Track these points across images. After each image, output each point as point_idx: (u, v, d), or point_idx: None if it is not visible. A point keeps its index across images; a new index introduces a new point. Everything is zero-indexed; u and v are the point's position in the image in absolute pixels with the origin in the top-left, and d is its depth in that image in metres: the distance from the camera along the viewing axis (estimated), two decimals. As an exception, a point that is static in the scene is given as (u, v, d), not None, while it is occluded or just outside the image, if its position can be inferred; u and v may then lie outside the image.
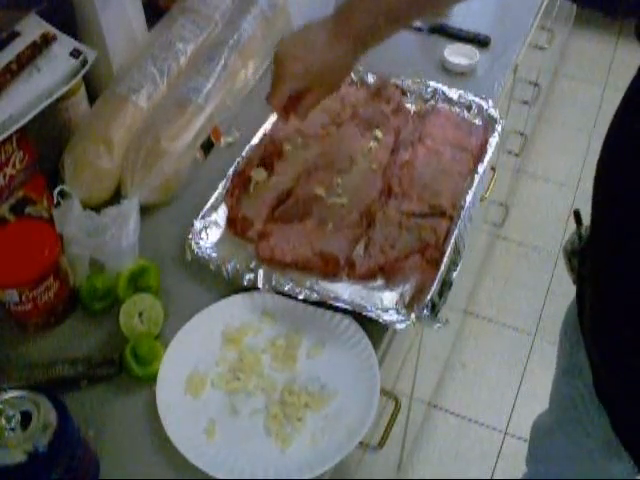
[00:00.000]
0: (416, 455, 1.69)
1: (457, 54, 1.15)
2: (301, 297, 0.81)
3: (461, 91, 1.07)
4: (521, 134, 1.69)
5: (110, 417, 0.74)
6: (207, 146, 1.00)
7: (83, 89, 0.96)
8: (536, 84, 1.68)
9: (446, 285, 0.83)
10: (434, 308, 0.80)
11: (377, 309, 0.80)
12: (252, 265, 0.85)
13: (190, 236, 0.87)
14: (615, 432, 0.84)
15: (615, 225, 0.71)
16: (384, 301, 0.81)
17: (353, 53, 0.85)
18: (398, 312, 0.80)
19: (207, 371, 0.78)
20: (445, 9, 0.85)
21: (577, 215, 0.94)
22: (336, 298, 0.81)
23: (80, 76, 0.87)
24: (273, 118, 1.03)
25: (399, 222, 0.89)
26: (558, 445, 1.02)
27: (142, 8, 1.07)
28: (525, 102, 1.62)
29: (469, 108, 1.05)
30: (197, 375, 0.77)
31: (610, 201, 0.72)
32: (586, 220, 0.87)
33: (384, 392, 0.80)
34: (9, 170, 0.82)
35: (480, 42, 1.19)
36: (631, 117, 0.67)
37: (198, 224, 0.89)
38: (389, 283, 0.83)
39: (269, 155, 0.97)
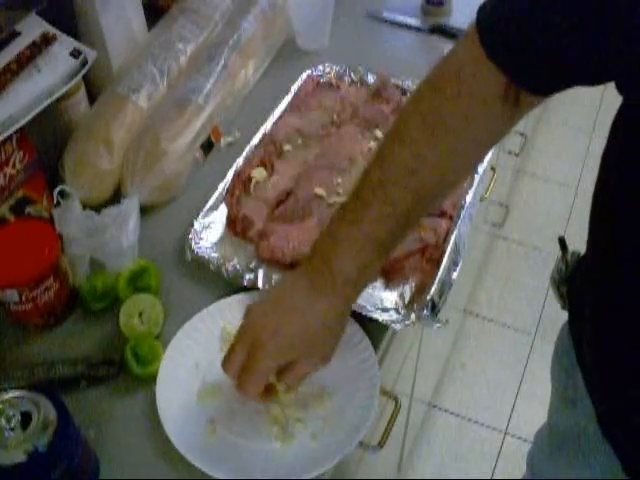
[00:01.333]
0: (416, 455, 1.69)
1: (457, 54, 1.15)
2: (301, 297, 0.81)
3: (461, 91, 1.06)
4: (521, 134, 1.69)
5: (110, 417, 0.74)
6: (207, 146, 1.00)
7: (83, 89, 0.96)
8: (536, 84, 1.67)
9: (446, 285, 0.83)
10: (434, 308, 0.80)
11: (377, 309, 0.80)
12: (252, 265, 0.85)
13: (190, 236, 0.87)
14: (625, 471, 0.79)
15: (620, 250, 0.67)
16: (384, 301, 0.81)
17: (342, 305, 0.69)
18: (398, 312, 0.80)
19: (207, 371, 0.78)
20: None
21: (562, 242, 0.92)
22: (336, 298, 0.81)
23: (80, 76, 0.87)
24: (273, 118, 1.03)
25: (399, 222, 0.89)
26: (557, 471, 1.00)
27: (142, 8, 1.07)
28: (525, 102, 1.62)
29: (469, 108, 1.05)
30: (197, 375, 0.77)
31: (612, 222, 0.68)
32: (576, 243, 0.86)
33: (384, 392, 0.80)
34: (9, 170, 0.82)
35: (480, 42, 1.19)
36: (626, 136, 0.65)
37: (198, 224, 0.89)
38: (389, 283, 0.83)
39: (269, 155, 0.97)
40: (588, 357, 0.79)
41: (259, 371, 0.67)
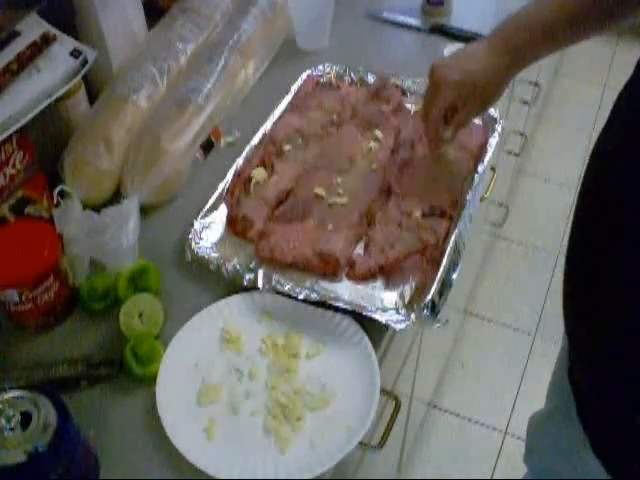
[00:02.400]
0: (416, 455, 1.69)
1: (457, 54, 1.15)
2: (301, 297, 0.81)
3: (461, 91, 1.06)
4: (521, 134, 1.69)
5: (110, 417, 0.74)
6: (207, 146, 1.00)
7: (83, 89, 0.96)
8: (536, 84, 1.67)
9: (446, 285, 0.83)
10: (434, 308, 0.80)
11: (377, 309, 0.80)
12: (252, 265, 0.85)
13: (190, 236, 0.87)
14: (585, 431, 0.84)
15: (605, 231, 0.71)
16: (384, 301, 0.81)
17: (509, 67, 0.85)
18: (398, 312, 0.80)
19: (207, 371, 0.78)
20: (603, 32, 0.88)
21: None
22: (336, 298, 0.81)
23: (80, 76, 0.87)
24: (273, 118, 1.03)
25: (399, 222, 0.89)
26: (548, 437, 1.02)
27: (142, 8, 1.07)
28: (525, 102, 1.62)
29: (469, 108, 1.05)
30: (197, 375, 0.77)
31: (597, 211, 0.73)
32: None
33: (384, 392, 0.80)
34: (9, 170, 0.82)
35: (480, 42, 1.19)
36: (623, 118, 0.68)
37: (198, 224, 0.89)
38: (389, 283, 0.83)
39: (269, 155, 0.97)
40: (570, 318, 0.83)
41: (437, 103, 0.86)
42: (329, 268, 0.84)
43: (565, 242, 0.85)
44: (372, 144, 0.99)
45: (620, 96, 0.71)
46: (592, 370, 0.79)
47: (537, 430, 1.10)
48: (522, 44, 0.84)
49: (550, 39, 0.85)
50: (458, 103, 0.86)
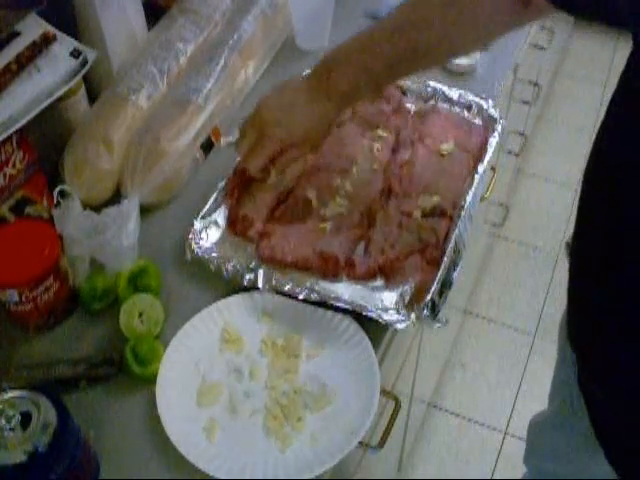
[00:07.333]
0: (416, 455, 1.69)
1: (457, 54, 1.15)
2: (301, 297, 0.81)
3: (461, 91, 1.06)
4: (521, 134, 1.69)
5: (110, 417, 0.74)
6: (207, 146, 1.00)
7: (83, 89, 0.96)
8: (536, 84, 1.67)
9: (446, 285, 0.83)
10: (434, 308, 0.80)
11: (377, 309, 0.80)
12: (252, 265, 0.85)
13: (190, 236, 0.87)
14: (594, 429, 0.84)
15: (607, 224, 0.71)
16: (384, 301, 0.81)
17: (334, 111, 0.85)
18: (398, 312, 0.80)
19: (207, 371, 0.78)
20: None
21: None
22: (336, 298, 0.81)
23: (80, 76, 0.87)
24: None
25: (399, 222, 0.89)
26: (549, 439, 1.02)
27: (142, 8, 1.07)
28: (525, 102, 1.62)
29: (469, 108, 1.05)
30: (197, 375, 0.77)
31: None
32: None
33: (384, 392, 0.80)
34: (9, 170, 0.82)
35: (480, 42, 1.19)
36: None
37: (198, 224, 0.89)
38: (389, 283, 0.83)
39: (269, 155, 0.97)
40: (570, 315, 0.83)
41: (263, 152, 0.86)
42: (329, 268, 0.84)
43: (565, 242, 0.85)
44: (372, 144, 0.99)
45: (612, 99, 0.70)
46: (602, 381, 0.78)
47: (538, 433, 1.10)
48: (346, 91, 0.83)
49: (373, 85, 0.84)
50: (283, 149, 0.86)
